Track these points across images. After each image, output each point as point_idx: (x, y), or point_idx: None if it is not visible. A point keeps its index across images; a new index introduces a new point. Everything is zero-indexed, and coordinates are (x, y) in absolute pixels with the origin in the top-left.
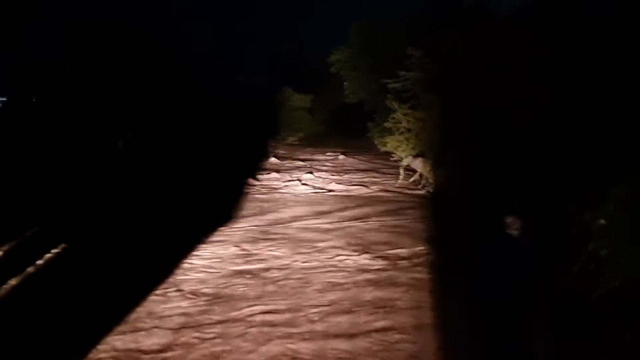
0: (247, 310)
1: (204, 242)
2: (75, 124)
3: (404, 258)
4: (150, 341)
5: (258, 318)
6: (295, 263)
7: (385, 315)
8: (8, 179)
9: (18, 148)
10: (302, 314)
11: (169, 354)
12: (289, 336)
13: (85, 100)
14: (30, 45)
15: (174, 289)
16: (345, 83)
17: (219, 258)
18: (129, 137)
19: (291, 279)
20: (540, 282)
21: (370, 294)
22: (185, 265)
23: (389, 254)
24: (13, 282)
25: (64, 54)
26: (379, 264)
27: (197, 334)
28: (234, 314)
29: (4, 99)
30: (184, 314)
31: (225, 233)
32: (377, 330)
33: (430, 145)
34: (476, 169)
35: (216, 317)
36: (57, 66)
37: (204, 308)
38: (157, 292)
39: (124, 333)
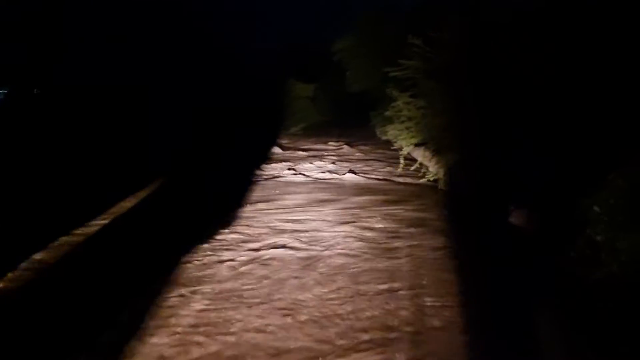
0: None
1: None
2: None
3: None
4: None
5: None
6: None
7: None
8: None
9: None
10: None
11: None
12: None
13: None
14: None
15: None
16: (348, 72)
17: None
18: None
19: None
20: (541, 267)
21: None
22: None
23: (389, 244)
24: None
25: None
26: (380, 254)
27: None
28: None
29: (5, 91)
30: None
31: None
32: None
33: (430, 134)
34: (477, 157)
35: None
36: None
37: None
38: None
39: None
